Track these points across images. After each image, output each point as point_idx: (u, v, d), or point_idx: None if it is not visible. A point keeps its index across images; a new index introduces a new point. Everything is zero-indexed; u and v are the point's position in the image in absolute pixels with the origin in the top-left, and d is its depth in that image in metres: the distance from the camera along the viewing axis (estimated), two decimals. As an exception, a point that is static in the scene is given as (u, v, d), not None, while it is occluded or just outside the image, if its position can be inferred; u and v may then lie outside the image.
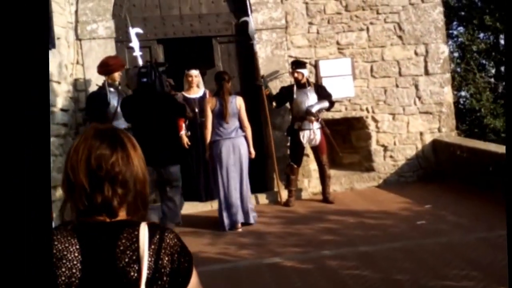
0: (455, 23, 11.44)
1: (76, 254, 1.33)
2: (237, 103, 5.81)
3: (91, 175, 1.36)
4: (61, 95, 6.18)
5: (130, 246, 1.34)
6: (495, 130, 9.81)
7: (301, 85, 6.69)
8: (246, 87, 7.39)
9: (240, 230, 5.65)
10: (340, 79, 7.46)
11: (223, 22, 7.33)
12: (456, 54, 11.69)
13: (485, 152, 6.36)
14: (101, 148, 1.38)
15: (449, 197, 6.46)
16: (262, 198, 6.97)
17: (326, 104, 6.68)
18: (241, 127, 5.83)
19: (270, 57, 7.26)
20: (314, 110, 6.54)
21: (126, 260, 1.33)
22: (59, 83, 6.17)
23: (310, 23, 7.45)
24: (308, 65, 7.37)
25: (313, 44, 7.44)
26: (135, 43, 6.48)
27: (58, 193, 5.74)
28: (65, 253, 1.33)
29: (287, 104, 6.91)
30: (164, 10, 7.19)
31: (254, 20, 7.10)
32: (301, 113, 6.62)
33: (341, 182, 7.36)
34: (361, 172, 7.56)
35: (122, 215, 1.40)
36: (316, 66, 7.43)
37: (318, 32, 7.46)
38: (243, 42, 7.38)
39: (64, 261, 1.32)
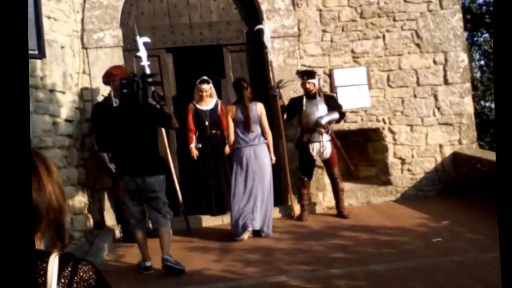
0: (479, 30, 11.05)
1: None
2: (258, 109, 5.91)
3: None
4: (65, 105, 6.03)
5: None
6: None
7: (311, 96, 6.43)
8: (257, 97, 7.12)
9: (249, 234, 5.57)
10: (355, 89, 7.19)
11: (234, 30, 7.13)
12: (482, 62, 11.27)
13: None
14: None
15: (469, 213, 6.11)
16: (275, 212, 6.67)
17: (336, 115, 6.40)
18: (263, 133, 5.88)
19: (282, 66, 7.03)
20: (323, 121, 6.27)
21: None
22: (63, 93, 6.03)
23: (324, 31, 7.20)
24: (322, 75, 7.15)
25: (326, 53, 7.19)
26: (142, 52, 6.32)
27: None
28: None
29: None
30: (173, 18, 7.03)
31: (263, 28, 6.87)
32: (310, 124, 6.36)
33: (357, 196, 7.04)
34: (378, 186, 7.23)
35: (36, 245, 1.24)
36: (330, 75, 7.17)
37: (332, 40, 7.21)
38: (254, 50, 7.17)
39: None
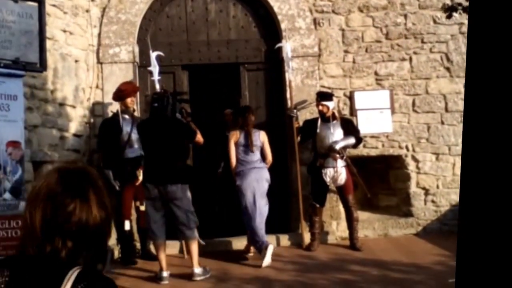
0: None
1: (3, 286, 1.28)
2: (261, 137, 5.88)
3: (46, 223, 1.30)
4: (75, 119, 5.97)
5: (50, 284, 1.25)
6: None
7: (326, 119, 6.11)
8: (273, 117, 6.91)
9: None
10: (377, 113, 6.82)
11: (252, 48, 6.94)
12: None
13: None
14: (61, 195, 1.31)
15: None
16: (284, 239, 6.36)
17: (352, 140, 6.05)
18: (263, 159, 5.87)
19: (300, 86, 6.76)
20: (338, 146, 5.93)
21: None
22: (74, 107, 5.97)
23: (346, 51, 6.90)
24: (342, 97, 6.83)
25: (348, 74, 6.87)
26: (154, 67, 6.21)
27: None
28: None
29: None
30: (191, 35, 6.91)
31: (284, 47, 6.63)
32: (324, 149, 6.03)
33: (374, 227, 6.61)
34: (398, 217, 6.78)
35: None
36: (351, 97, 6.84)
37: (354, 61, 6.89)
38: (272, 70, 6.95)
39: None
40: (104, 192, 1.37)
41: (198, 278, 4.96)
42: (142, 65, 6.72)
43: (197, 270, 5.01)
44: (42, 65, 4.80)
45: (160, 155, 5.03)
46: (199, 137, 5.39)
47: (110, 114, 6.13)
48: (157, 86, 6.19)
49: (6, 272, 1.29)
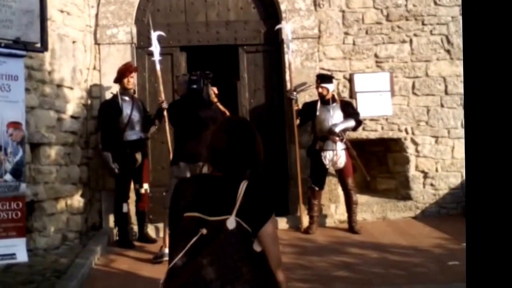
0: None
1: (195, 190, 2.03)
2: None
3: (230, 149, 2.02)
4: (72, 101, 5.90)
5: (232, 190, 1.95)
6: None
7: (325, 101, 6.07)
8: (272, 100, 6.87)
9: None
10: (377, 96, 6.77)
11: (251, 30, 6.86)
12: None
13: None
14: (231, 129, 2.08)
15: (495, 235, 5.60)
16: (282, 222, 6.35)
17: (351, 123, 6.01)
18: None
19: (300, 68, 6.69)
20: (337, 129, 5.90)
21: (228, 197, 1.95)
22: (71, 88, 5.90)
23: (346, 33, 6.82)
24: (341, 79, 6.78)
25: (348, 56, 6.81)
26: (155, 47, 6.13)
27: (60, 205, 5.44)
28: (186, 192, 2.03)
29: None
30: (189, 16, 6.82)
31: (284, 28, 6.56)
32: (323, 132, 6.00)
33: (373, 210, 6.61)
34: (396, 200, 6.78)
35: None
36: (350, 80, 6.79)
37: (354, 43, 6.82)
38: (271, 52, 6.88)
39: (185, 195, 2.02)
40: (257, 133, 2.11)
41: None
42: (140, 46, 6.64)
43: None
44: (43, 45, 4.72)
45: (195, 137, 5.04)
46: None
47: (109, 95, 6.06)
48: (158, 67, 6.12)
49: (195, 185, 2.07)
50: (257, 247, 1.95)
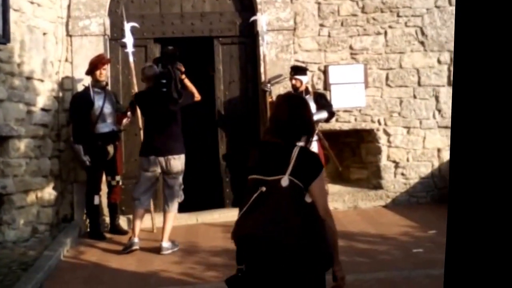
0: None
1: (258, 155, 2.52)
2: None
3: (291, 120, 2.50)
4: (43, 94, 5.88)
5: (287, 154, 2.40)
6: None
7: (299, 93, 6.10)
8: (247, 92, 6.89)
9: None
10: (351, 87, 6.83)
11: (226, 22, 6.86)
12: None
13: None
14: (292, 105, 2.56)
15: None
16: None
17: (324, 115, 6.07)
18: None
19: (275, 60, 6.72)
20: (309, 120, 5.94)
21: (283, 159, 2.39)
22: (42, 81, 5.88)
23: (321, 25, 6.86)
24: (316, 71, 6.82)
25: (323, 48, 6.85)
26: (128, 39, 6.13)
27: (30, 198, 5.44)
28: (251, 157, 2.53)
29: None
30: (164, 7, 6.80)
31: (259, 20, 6.57)
32: (295, 123, 6.04)
33: (344, 199, 6.70)
34: (368, 190, 6.87)
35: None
36: (325, 72, 6.83)
37: (329, 35, 6.86)
38: (246, 44, 6.89)
39: (251, 159, 2.52)
40: (308, 105, 2.67)
41: (166, 252, 5.02)
42: (114, 38, 6.62)
43: (165, 244, 5.07)
44: (6, 36, 4.72)
45: (163, 129, 5.12)
46: (197, 96, 5.53)
47: (82, 88, 6.05)
48: (131, 59, 6.13)
49: (258, 151, 2.55)
50: (308, 199, 2.38)
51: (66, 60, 6.33)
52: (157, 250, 5.05)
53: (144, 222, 5.78)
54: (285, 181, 2.34)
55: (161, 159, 5.12)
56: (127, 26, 6.16)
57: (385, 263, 4.57)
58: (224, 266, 4.63)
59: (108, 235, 5.74)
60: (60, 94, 6.19)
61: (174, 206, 5.23)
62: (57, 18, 6.25)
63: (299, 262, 2.29)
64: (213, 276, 4.40)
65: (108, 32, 6.52)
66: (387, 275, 4.28)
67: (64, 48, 6.30)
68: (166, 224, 5.15)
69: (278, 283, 2.31)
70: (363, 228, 5.70)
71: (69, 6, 6.39)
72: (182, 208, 6.08)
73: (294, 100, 2.64)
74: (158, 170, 5.18)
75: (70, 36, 6.37)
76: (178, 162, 5.16)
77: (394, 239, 5.24)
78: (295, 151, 2.38)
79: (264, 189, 2.35)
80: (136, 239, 5.11)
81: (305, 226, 2.30)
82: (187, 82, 5.50)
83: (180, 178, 5.25)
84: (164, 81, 5.03)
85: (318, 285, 2.37)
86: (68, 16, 6.38)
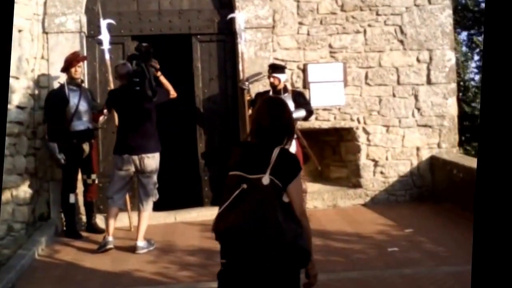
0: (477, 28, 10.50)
1: (239, 154, 2.59)
2: None
3: (272, 126, 2.58)
4: (18, 91, 5.80)
5: (267, 154, 2.49)
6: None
7: (277, 92, 6.09)
8: (226, 90, 6.87)
9: None
10: (330, 86, 6.84)
11: (205, 19, 6.82)
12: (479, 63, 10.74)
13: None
14: (272, 109, 2.64)
15: (438, 221, 5.79)
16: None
17: (302, 113, 6.05)
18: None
19: (253, 58, 6.70)
20: (287, 119, 5.93)
21: (264, 159, 2.47)
22: (17, 78, 5.79)
23: (300, 23, 6.85)
24: (295, 69, 6.82)
25: (302, 46, 6.84)
26: (105, 36, 6.06)
27: (5, 196, 5.37)
28: (234, 155, 2.60)
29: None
30: (141, 5, 6.74)
31: (237, 17, 6.54)
32: (274, 121, 6.02)
33: (324, 198, 6.71)
34: (347, 188, 6.89)
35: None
36: (304, 70, 6.83)
37: (308, 34, 6.86)
38: (225, 41, 6.87)
39: (233, 157, 2.59)
40: (288, 108, 2.73)
41: (141, 251, 4.99)
42: (91, 35, 6.55)
43: (141, 243, 5.03)
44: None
45: (136, 128, 5.07)
46: (173, 94, 5.47)
47: (57, 85, 5.98)
48: (107, 56, 6.07)
49: (241, 150, 2.64)
50: (285, 198, 2.47)
51: (42, 57, 6.25)
52: (133, 249, 5.02)
53: (123, 221, 5.76)
54: (266, 179, 2.44)
55: (135, 157, 5.08)
56: (103, 23, 6.10)
57: (359, 262, 4.58)
58: (199, 265, 4.63)
59: (84, 234, 5.69)
60: (36, 92, 6.12)
61: (148, 205, 5.19)
62: (33, 15, 6.16)
63: (278, 257, 2.38)
64: (187, 276, 4.39)
65: (84, 29, 6.45)
66: (360, 274, 4.31)
67: (40, 45, 6.23)
68: (141, 223, 5.12)
69: (257, 277, 2.41)
70: (341, 226, 5.71)
71: (45, 3, 6.31)
72: (161, 207, 6.08)
73: (274, 103, 2.73)
74: (132, 169, 5.14)
75: (46, 33, 6.29)
76: (152, 161, 5.12)
77: (370, 237, 5.26)
78: (275, 152, 2.48)
79: (245, 186, 2.44)
80: (110, 238, 5.07)
81: (285, 223, 2.41)
82: (162, 79, 5.46)
83: (155, 177, 5.21)
84: (137, 79, 4.98)
85: (294, 281, 2.47)
86: (44, 13, 6.30)
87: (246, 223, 2.38)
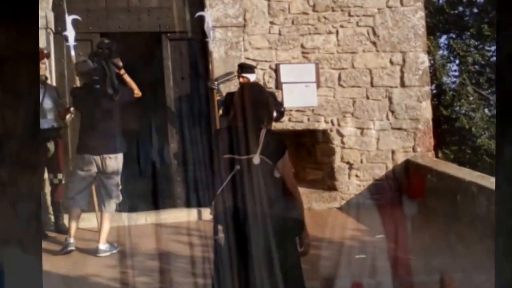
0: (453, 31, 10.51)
1: (228, 138, 2.84)
2: None
3: (252, 104, 2.86)
4: (-23, 88, 5.56)
5: (254, 136, 2.76)
6: (489, 152, 8.83)
7: (247, 91, 5.95)
8: (197, 90, 6.69)
9: None
10: (303, 87, 6.71)
11: (175, 17, 6.64)
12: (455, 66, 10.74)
13: (453, 178, 5.51)
14: (251, 92, 2.96)
15: (410, 227, 5.65)
16: (206, 213, 6.21)
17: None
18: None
19: (224, 58, 6.55)
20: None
21: (252, 141, 2.73)
22: (-25, 74, 5.56)
23: (272, 23, 6.71)
24: (267, 69, 6.69)
25: (274, 46, 6.70)
26: (70, 32, 5.87)
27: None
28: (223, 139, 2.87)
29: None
30: (110, 1, 6.54)
31: (205, 16, 6.39)
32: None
33: (297, 201, 6.55)
34: (322, 191, 6.76)
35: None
36: (276, 70, 6.69)
37: (280, 33, 6.72)
38: (196, 40, 6.70)
39: (223, 141, 2.85)
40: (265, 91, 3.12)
41: (102, 254, 4.80)
42: (58, 32, 6.34)
43: (102, 246, 4.85)
44: None
45: (97, 127, 4.92)
46: (137, 93, 5.29)
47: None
48: (73, 53, 5.87)
49: (228, 133, 2.83)
50: (276, 174, 2.75)
51: (4, 54, 6.01)
52: (95, 252, 4.82)
53: (93, 222, 5.56)
54: (256, 159, 2.70)
55: (96, 157, 4.89)
56: (68, 19, 5.91)
57: (323, 270, 4.43)
58: (159, 271, 4.46)
59: (52, 234, 5.50)
60: None
61: (110, 207, 5.00)
62: (-6, 10, 5.93)
63: (274, 228, 2.63)
64: (144, 282, 4.21)
65: (51, 25, 6.24)
66: (317, 284, 4.14)
67: (1, 41, 5.98)
68: (103, 225, 4.93)
69: (256, 250, 2.64)
70: (312, 231, 5.36)
71: (7, -2, 6.07)
72: (133, 208, 5.93)
73: (252, 87, 3.13)
74: (94, 169, 4.94)
75: (9, 29, 6.05)
76: (114, 162, 4.93)
77: (340, 243, 5.11)
78: (262, 133, 2.76)
79: (238, 167, 2.70)
80: (71, 240, 4.89)
81: (278, 197, 2.69)
82: (126, 77, 5.28)
83: (117, 178, 5.02)
84: (97, 77, 4.80)
85: (291, 249, 2.80)
86: (6, 8, 6.06)
87: (244, 201, 2.64)
